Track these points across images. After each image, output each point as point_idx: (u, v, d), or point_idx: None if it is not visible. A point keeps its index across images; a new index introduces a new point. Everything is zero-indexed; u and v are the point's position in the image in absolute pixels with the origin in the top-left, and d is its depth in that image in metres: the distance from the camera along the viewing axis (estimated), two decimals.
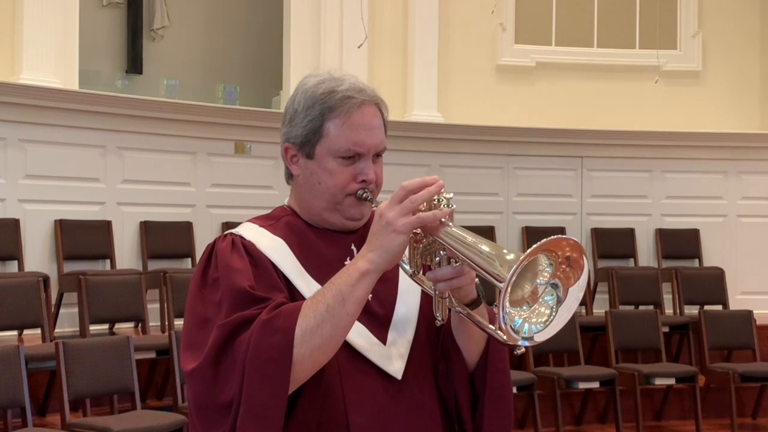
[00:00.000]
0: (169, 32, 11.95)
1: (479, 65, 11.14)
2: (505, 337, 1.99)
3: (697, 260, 11.14)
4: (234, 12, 12.29)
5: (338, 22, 10.36)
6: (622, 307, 9.92)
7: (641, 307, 10.01)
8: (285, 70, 10.51)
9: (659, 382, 8.73)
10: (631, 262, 10.98)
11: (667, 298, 10.38)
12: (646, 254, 11.12)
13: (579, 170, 11.07)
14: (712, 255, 11.11)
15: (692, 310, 10.13)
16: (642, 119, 11.26)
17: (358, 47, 9.97)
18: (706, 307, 9.98)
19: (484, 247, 2.00)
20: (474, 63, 11.10)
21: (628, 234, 11.03)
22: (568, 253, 1.97)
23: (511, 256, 1.94)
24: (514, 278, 1.89)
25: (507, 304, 1.92)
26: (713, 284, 10.46)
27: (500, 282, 1.91)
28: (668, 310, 10.36)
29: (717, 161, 11.22)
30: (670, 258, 11.03)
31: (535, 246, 1.92)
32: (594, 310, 10.17)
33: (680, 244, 11.09)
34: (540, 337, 2.01)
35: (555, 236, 1.94)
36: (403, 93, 10.76)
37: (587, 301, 10.08)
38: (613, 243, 10.94)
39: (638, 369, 8.63)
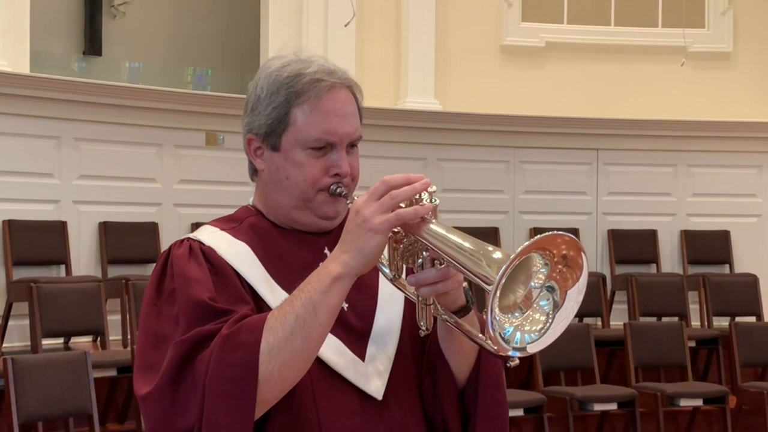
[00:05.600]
0: (132, 8, 11.95)
1: (481, 46, 11.15)
2: (496, 348, 2.01)
3: (727, 266, 11.16)
4: None
5: None
6: (642, 319, 9.93)
7: (664, 319, 10.03)
8: (262, 51, 10.51)
9: (685, 403, 8.75)
10: (653, 268, 11.00)
11: (694, 309, 10.39)
12: (670, 259, 11.14)
13: (594, 164, 11.09)
14: (744, 260, 11.13)
15: (722, 322, 10.14)
16: (665, 107, 11.28)
17: (345, 26, 9.98)
18: (738, 319, 9.99)
19: (471, 246, 2.02)
20: (476, 43, 11.11)
21: (650, 236, 11.06)
22: (564, 251, 2.00)
23: (499, 255, 1.97)
24: (503, 280, 1.91)
25: (496, 309, 1.94)
26: (746, 293, 10.47)
27: (488, 284, 1.93)
28: (695, 322, 10.37)
29: (750, 154, 11.24)
30: (696, 263, 11.04)
31: (526, 244, 1.94)
32: (611, 323, 10.18)
33: (708, 247, 11.11)
34: (533, 348, 2.03)
35: (548, 233, 1.96)
36: (395, 77, 10.77)
37: (603, 312, 10.10)
38: (633, 246, 10.96)
39: (661, 389, 8.66)
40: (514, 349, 2.01)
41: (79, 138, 9.13)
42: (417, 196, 2.11)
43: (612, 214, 11.09)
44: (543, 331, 2.03)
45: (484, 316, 1.95)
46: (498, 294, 1.92)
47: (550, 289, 2.02)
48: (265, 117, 2.29)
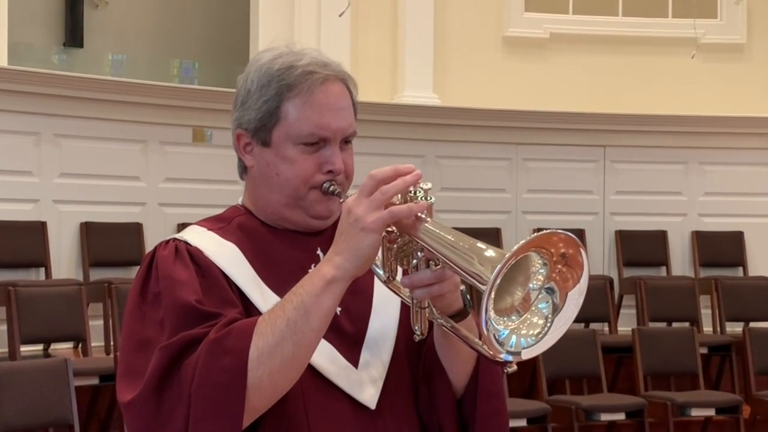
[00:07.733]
0: None
1: (483, 37, 11.15)
2: (491, 352, 2.01)
3: (740, 268, 11.17)
4: None
5: None
6: (652, 325, 9.94)
7: (675, 325, 10.04)
8: (252, 42, 10.52)
9: (696, 413, 8.77)
10: (662, 271, 11.01)
11: (706, 314, 10.39)
12: (681, 261, 11.15)
13: (601, 162, 11.10)
14: (758, 262, 11.14)
15: (735, 328, 10.16)
16: (675, 101, 11.28)
17: (340, 16, 10.00)
18: (752, 324, 9.98)
19: (464, 244, 2.02)
20: (476, 35, 11.12)
21: (660, 237, 11.06)
22: (562, 250, 2.00)
23: (492, 254, 1.97)
24: (499, 280, 1.91)
25: (491, 310, 1.95)
26: (760, 297, 10.46)
27: (482, 284, 1.94)
28: (707, 328, 10.38)
29: (764, 151, 11.24)
30: (708, 266, 11.04)
31: (522, 243, 1.94)
32: (619, 328, 10.19)
33: (721, 249, 11.11)
34: (528, 353, 2.03)
35: (544, 231, 1.97)
36: (392, 70, 10.78)
37: (611, 317, 10.10)
38: (642, 248, 10.96)
39: (671, 398, 8.67)
40: (508, 352, 2.01)
41: (59, 134, 9.13)
42: (411, 193, 2.11)
43: (620, 214, 11.09)
44: (540, 335, 2.03)
45: (479, 317, 1.96)
46: (493, 294, 1.93)
47: (550, 291, 2.03)
48: (255, 111, 2.30)
